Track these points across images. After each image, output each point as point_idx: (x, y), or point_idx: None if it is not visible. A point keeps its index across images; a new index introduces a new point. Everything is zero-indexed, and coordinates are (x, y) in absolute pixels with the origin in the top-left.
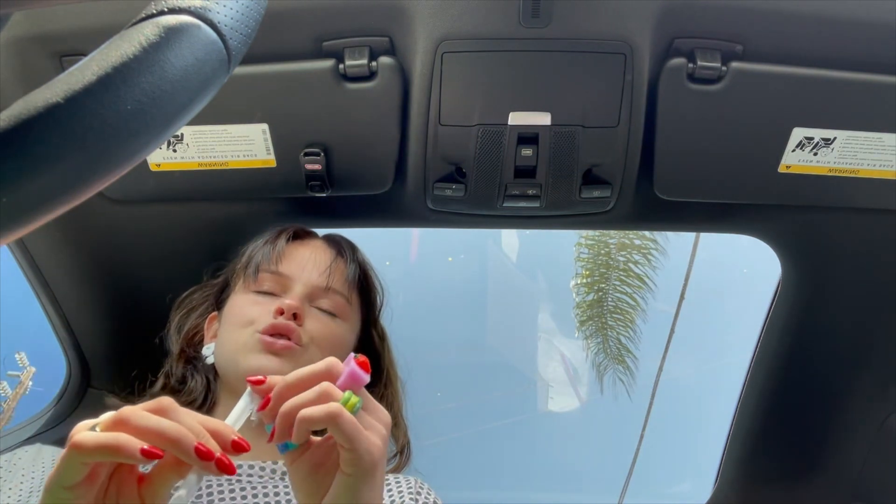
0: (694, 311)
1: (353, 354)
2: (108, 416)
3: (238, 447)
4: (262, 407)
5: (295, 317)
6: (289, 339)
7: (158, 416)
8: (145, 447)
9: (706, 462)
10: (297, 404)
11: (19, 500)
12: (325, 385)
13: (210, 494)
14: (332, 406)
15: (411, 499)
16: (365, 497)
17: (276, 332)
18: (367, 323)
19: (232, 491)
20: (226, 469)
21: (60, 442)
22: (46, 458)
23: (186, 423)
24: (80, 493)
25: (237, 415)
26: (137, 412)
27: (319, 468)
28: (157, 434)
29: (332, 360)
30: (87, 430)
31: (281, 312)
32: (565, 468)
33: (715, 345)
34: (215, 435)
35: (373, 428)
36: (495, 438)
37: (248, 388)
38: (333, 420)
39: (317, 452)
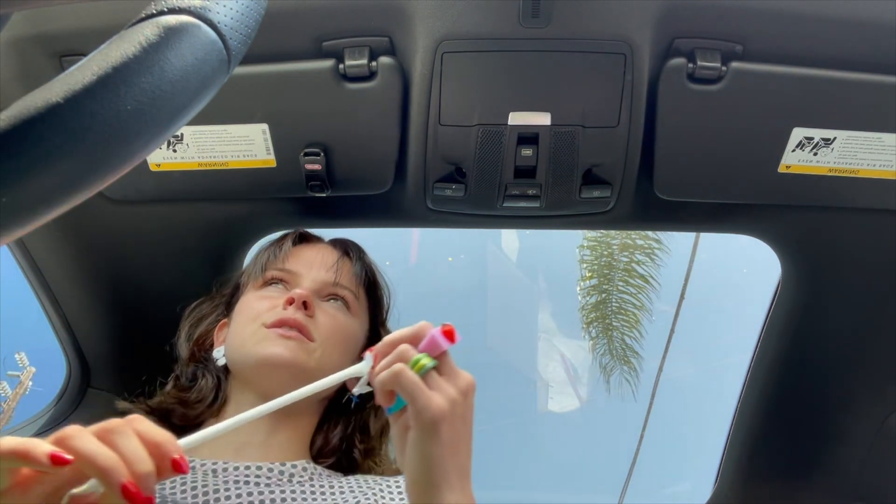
0: (694, 311)
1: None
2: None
3: (177, 467)
4: (373, 369)
5: (305, 306)
6: (299, 332)
7: (104, 437)
8: (55, 452)
9: (706, 462)
10: (381, 367)
11: None
12: (401, 348)
13: (217, 492)
14: (396, 367)
15: None
16: (428, 450)
17: (285, 325)
18: (375, 323)
19: (238, 492)
20: None
21: None
22: None
23: (128, 451)
24: (9, 499)
25: (350, 373)
26: (81, 434)
27: (408, 431)
28: (89, 459)
29: (421, 324)
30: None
31: (291, 302)
32: (565, 468)
33: (715, 345)
34: (156, 450)
35: (440, 389)
36: (495, 438)
37: (366, 355)
38: (396, 378)
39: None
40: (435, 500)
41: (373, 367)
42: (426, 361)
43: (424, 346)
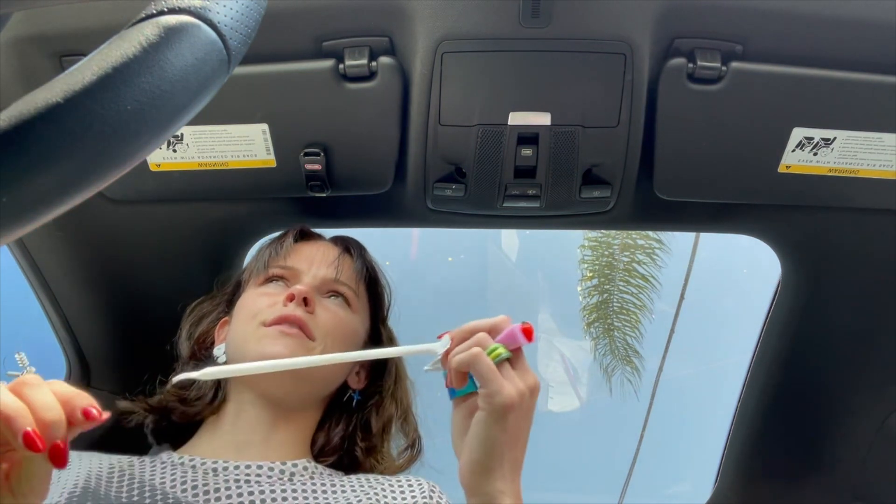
0: (694, 311)
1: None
2: None
3: (89, 415)
4: (445, 355)
5: (306, 302)
6: (300, 329)
7: (15, 390)
8: None
9: (706, 462)
10: (459, 350)
11: None
12: (480, 335)
13: (217, 491)
14: (474, 350)
15: (424, 503)
16: (493, 434)
17: (286, 322)
18: (376, 320)
19: (240, 491)
20: (55, 460)
21: None
22: None
23: (36, 399)
24: None
25: (425, 349)
26: None
27: (472, 416)
28: None
29: (502, 317)
30: None
31: (291, 299)
32: (565, 468)
33: (715, 345)
34: (66, 404)
35: (511, 379)
36: None
37: (444, 337)
38: (473, 360)
39: (474, 403)
40: (487, 483)
41: (447, 350)
42: (502, 351)
43: (502, 338)
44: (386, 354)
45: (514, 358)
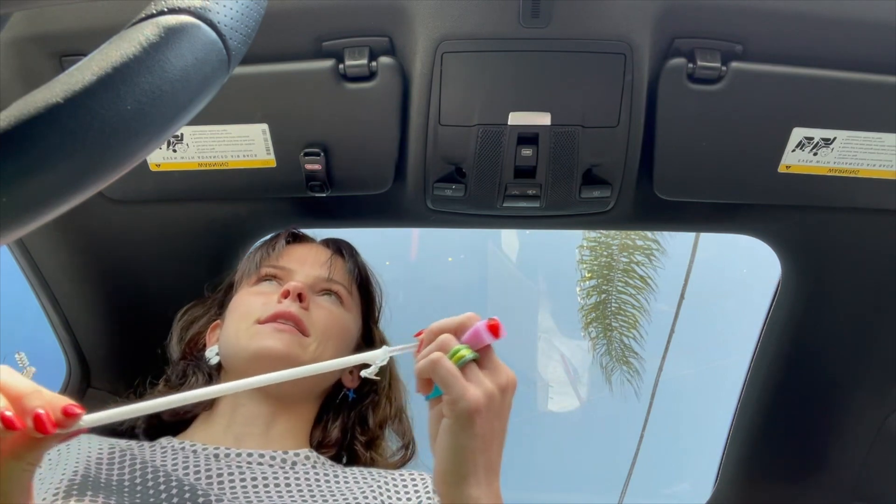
0: (694, 311)
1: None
2: None
3: (67, 412)
4: (417, 353)
5: (300, 298)
6: (295, 325)
7: None
8: None
9: (706, 462)
10: (423, 355)
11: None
12: (443, 337)
13: (220, 476)
14: (434, 355)
15: (427, 498)
16: (461, 441)
17: (280, 318)
18: (368, 321)
19: (242, 476)
20: (40, 427)
21: None
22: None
23: (15, 387)
24: None
25: (363, 358)
26: None
27: (442, 418)
28: None
29: (467, 315)
30: None
31: (286, 295)
32: (565, 468)
33: (715, 345)
34: (49, 404)
35: (477, 381)
36: None
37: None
38: (433, 366)
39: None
40: (461, 492)
41: (417, 352)
42: (465, 353)
43: (467, 338)
44: (322, 369)
45: (482, 357)
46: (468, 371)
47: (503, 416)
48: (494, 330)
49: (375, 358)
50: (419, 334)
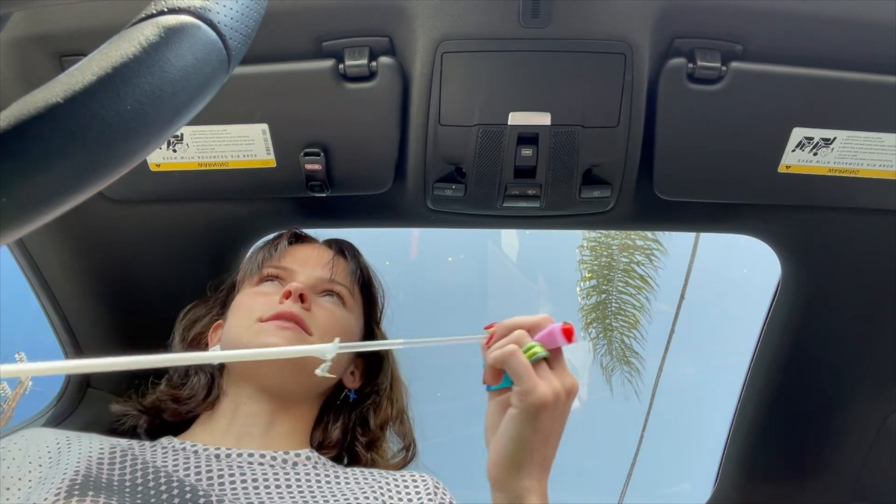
0: (694, 311)
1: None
2: None
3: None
4: (486, 347)
5: (302, 299)
6: (297, 325)
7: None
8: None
9: (706, 462)
10: (496, 347)
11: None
12: (518, 332)
13: (221, 476)
14: (510, 347)
15: (429, 499)
16: (524, 432)
17: (282, 318)
18: (370, 322)
19: (243, 476)
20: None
21: None
22: (49, 438)
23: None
24: None
25: (313, 350)
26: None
27: (504, 411)
28: None
29: (543, 315)
30: None
31: (287, 295)
32: (565, 468)
33: (715, 345)
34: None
35: (547, 379)
36: None
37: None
38: (508, 357)
39: (508, 398)
40: (515, 480)
41: (487, 344)
42: (539, 350)
43: (541, 336)
44: (278, 354)
45: (552, 358)
46: (539, 368)
47: (564, 417)
48: (568, 334)
49: (325, 351)
50: (490, 327)
